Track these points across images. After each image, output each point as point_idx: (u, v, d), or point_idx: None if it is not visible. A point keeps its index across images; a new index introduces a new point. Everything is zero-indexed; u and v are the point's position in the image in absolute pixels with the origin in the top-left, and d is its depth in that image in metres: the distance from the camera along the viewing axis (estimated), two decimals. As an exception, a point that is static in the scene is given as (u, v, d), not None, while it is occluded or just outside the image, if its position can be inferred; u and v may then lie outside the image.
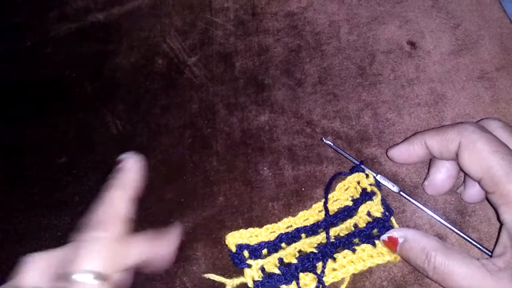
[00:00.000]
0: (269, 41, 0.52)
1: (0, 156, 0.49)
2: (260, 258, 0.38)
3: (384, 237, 0.36)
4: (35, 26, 0.58)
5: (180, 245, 0.40)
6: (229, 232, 0.39)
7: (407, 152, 0.39)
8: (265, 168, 0.44)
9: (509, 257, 0.30)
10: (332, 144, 0.43)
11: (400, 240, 0.34)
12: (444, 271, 0.31)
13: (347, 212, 0.39)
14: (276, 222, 0.40)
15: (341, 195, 0.40)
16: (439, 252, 0.32)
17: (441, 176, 0.38)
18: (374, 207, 0.38)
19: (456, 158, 0.35)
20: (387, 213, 0.38)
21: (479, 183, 0.34)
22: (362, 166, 0.41)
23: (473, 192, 0.37)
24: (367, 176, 0.40)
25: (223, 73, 0.50)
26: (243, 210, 0.42)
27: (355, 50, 0.50)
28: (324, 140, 0.44)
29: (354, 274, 0.37)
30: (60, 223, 0.43)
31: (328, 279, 0.36)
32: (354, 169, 0.41)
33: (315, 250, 0.37)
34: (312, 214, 0.40)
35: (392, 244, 0.35)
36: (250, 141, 0.46)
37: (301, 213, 0.40)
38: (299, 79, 0.49)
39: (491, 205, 0.34)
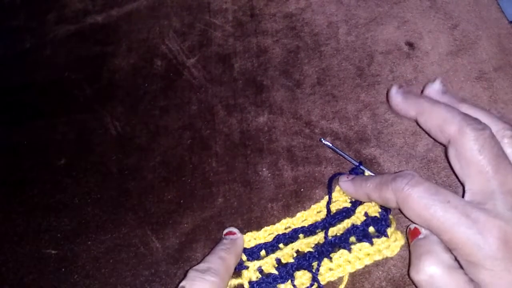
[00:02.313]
0: (267, 42, 0.52)
1: (-1, 158, 0.49)
2: (258, 259, 0.38)
3: (412, 226, 0.35)
4: (34, 28, 0.58)
5: (179, 246, 0.41)
6: (228, 233, 0.39)
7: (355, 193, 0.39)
8: (264, 169, 0.44)
9: None
10: (331, 145, 0.43)
11: (421, 236, 0.34)
12: None
13: (345, 213, 0.39)
14: (275, 223, 0.40)
15: (340, 197, 0.40)
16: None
17: None
18: (372, 208, 0.39)
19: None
20: (384, 213, 0.38)
21: None
22: (361, 167, 0.41)
23: None
24: (366, 176, 0.40)
25: (222, 74, 0.51)
26: (242, 211, 0.42)
27: (354, 51, 0.50)
28: (323, 141, 0.44)
29: (352, 275, 0.37)
30: (59, 225, 0.43)
31: (324, 278, 0.37)
32: (353, 170, 0.41)
33: (312, 250, 0.37)
34: (310, 215, 0.40)
35: (413, 234, 0.35)
36: (249, 142, 0.46)
37: (299, 214, 0.40)
38: (298, 80, 0.49)
39: None
